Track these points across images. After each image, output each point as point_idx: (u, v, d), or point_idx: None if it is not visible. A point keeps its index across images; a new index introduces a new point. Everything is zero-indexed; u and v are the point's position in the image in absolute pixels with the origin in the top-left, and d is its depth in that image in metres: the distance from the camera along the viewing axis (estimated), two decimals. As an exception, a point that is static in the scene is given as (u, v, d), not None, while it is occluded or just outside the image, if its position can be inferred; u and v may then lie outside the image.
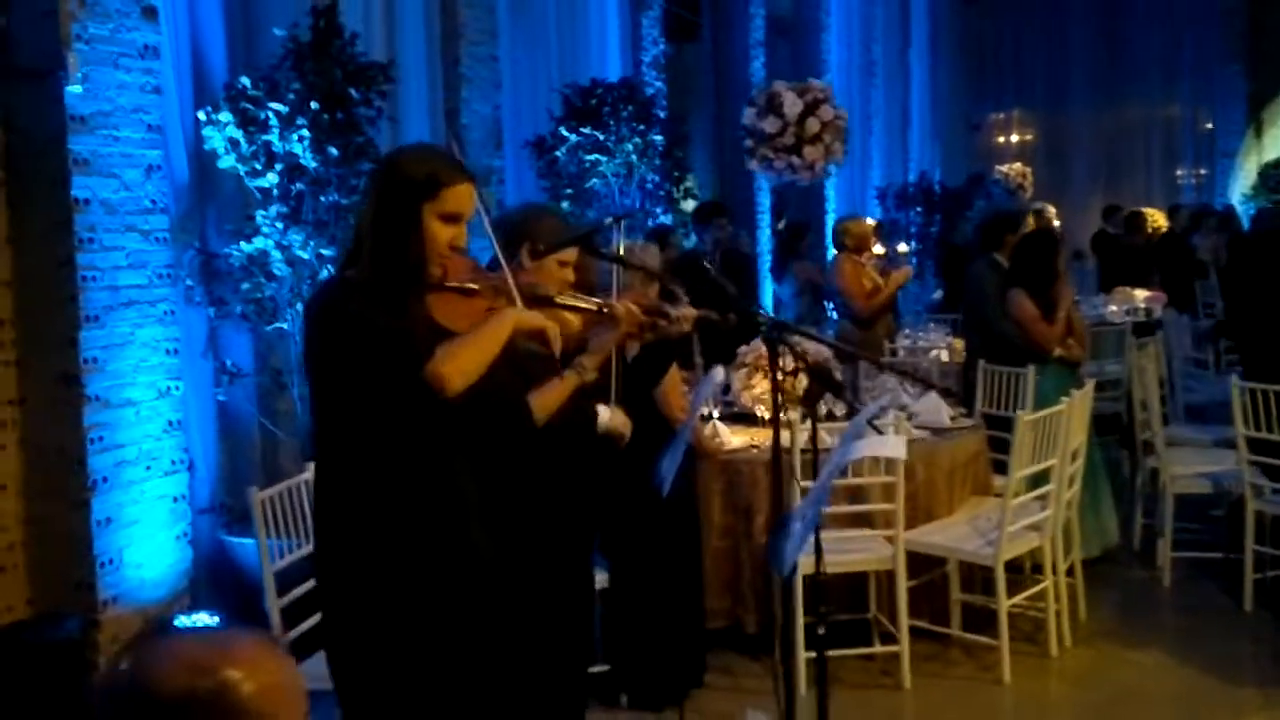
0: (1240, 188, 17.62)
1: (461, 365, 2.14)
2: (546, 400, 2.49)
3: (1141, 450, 5.67)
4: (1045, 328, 5.25)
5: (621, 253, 3.09)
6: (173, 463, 4.34)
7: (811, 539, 2.71)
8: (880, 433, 3.83)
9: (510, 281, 2.28)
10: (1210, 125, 18.30)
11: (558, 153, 6.56)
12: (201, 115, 4.44)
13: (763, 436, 4.45)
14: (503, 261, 2.36)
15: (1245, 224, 13.69)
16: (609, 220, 2.66)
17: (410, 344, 2.11)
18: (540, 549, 2.80)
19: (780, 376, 4.68)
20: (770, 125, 6.84)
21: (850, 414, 3.93)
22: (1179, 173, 18.61)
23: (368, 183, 2.30)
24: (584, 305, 2.47)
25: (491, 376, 2.24)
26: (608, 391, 2.89)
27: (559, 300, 2.39)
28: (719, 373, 3.69)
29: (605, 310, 2.47)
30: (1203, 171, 18.42)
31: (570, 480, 2.98)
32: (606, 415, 2.91)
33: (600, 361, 2.56)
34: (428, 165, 2.22)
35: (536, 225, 3.03)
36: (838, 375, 4.55)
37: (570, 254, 2.91)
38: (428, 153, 2.33)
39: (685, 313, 3.44)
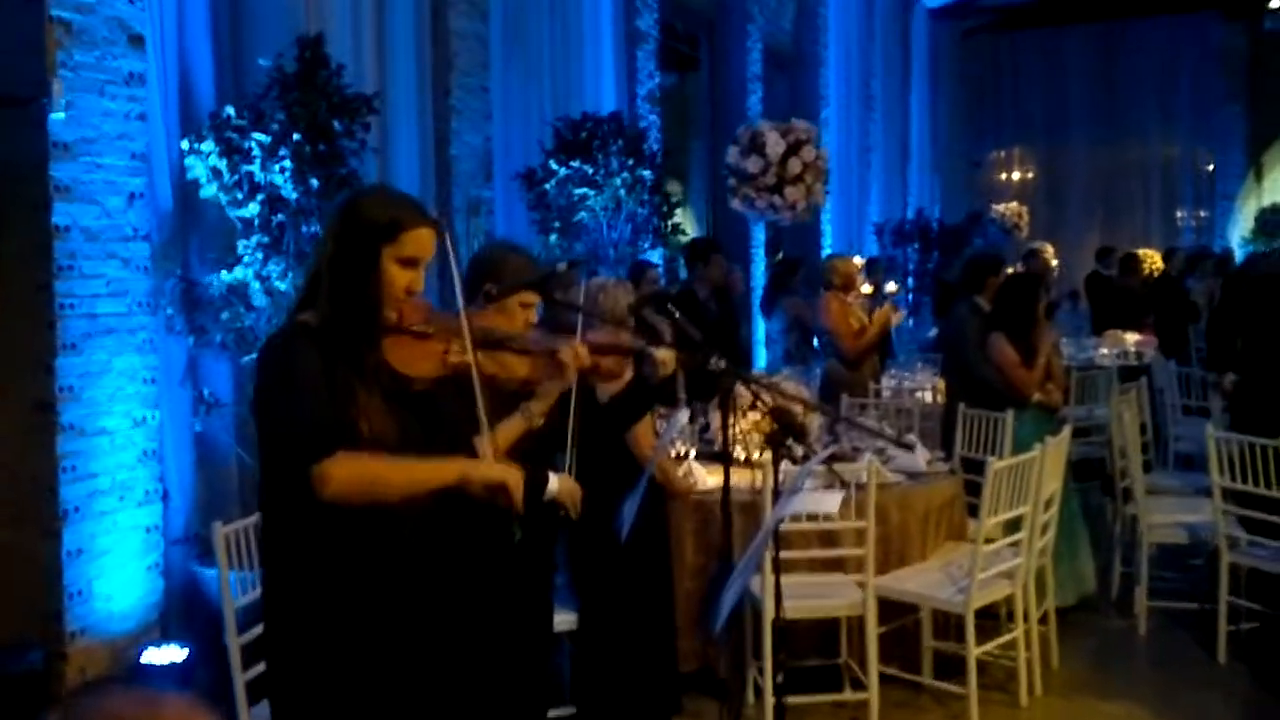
0: (1239, 231, 17.64)
1: (357, 485, 2.09)
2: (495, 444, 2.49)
3: (1121, 497, 5.65)
4: (1024, 373, 5.25)
5: (584, 293, 3.09)
6: (146, 493, 4.34)
7: (771, 586, 2.71)
8: (844, 483, 3.84)
9: (463, 322, 2.28)
10: (1210, 166, 18.34)
11: (547, 185, 6.59)
12: (185, 144, 4.47)
13: (739, 477, 4.44)
14: (460, 302, 2.37)
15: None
16: (562, 266, 2.67)
17: (328, 437, 2.09)
18: (491, 592, 2.80)
19: (758, 418, 4.71)
20: (753, 165, 6.87)
21: (827, 456, 3.92)
22: (1179, 214, 18.64)
23: (327, 222, 2.30)
24: (535, 349, 2.47)
25: (440, 420, 2.23)
26: (564, 434, 2.89)
27: (511, 345, 2.40)
28: (684, 415, 3.70)
29: (552, 351, 2.47)
30: (1203, 213, 18.45)
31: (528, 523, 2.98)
32: (555, 483, 2.91)
33: (547, 407, 2.57)
34: (389, 208, 2.22)
35: (500, 265, 3.05)
36: (809, 419, 4.54)
37: (532, 295, 2.92)
38: (389, 195, 2.33)
39: (665, 355, 3.45)
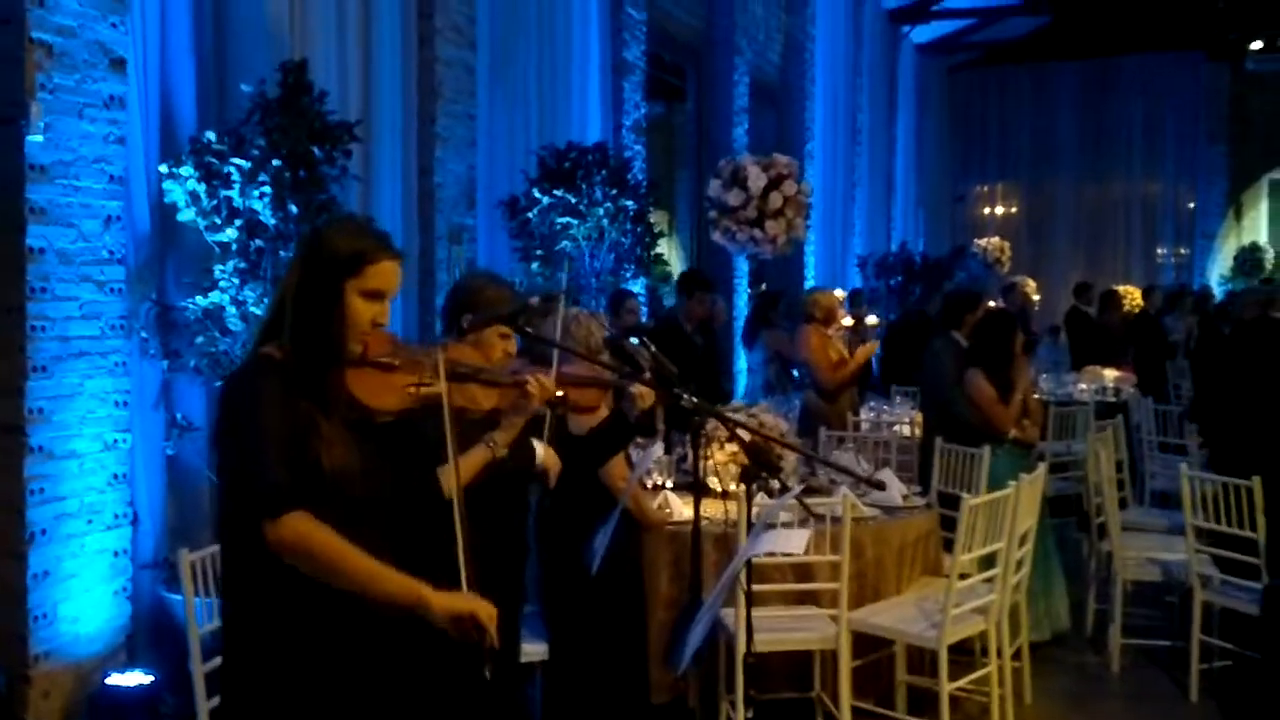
0: (1219, 269, 17.80)
1: (306, 558, 2.07)
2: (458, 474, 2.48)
3: (1096, 533, 5.66)
4: (1001, 409, 5.27)
5: (557, 325, 3.10)
6: (116, 516, 4.31)
7: (743, 619, 2.69)
8: (816, 518, 3.82)
9: (430, 355, 2.28)
10: (1192, 205, 18.53)
11: (530, 214, 6.60)
12: (164, 168, 4.46)
13: (714, 509, 4.43)
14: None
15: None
16: (536, 299, 2.68)
17: (285, 489, 2.08)
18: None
19: (734, 450, 4.70)
20: (734, 198, 6.91)
21: (799, 492, 3.92)
22: (1159, 251, 18.82)
23: (293, 253, 2.29)
24: (505, 381, 2.47)
25: (405, 454, 2.22)
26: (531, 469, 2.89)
27: (480, 376, 2.39)
28: (658, 447, 3.70)
29: (519, 383, 2.47)
30: (1183, 251, 18.63)
31: (485, 552, 2.97)
32: (541, 450, 2.90)
33: (511, 438, 2.56)
34: (354, 240, 2.21)
35: (477, 297, 3.05)
36: (785, 453, 4.54)
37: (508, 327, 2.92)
38: (355, 227, 2.32)
39: (642, 391, 3.44)
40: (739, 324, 9.52)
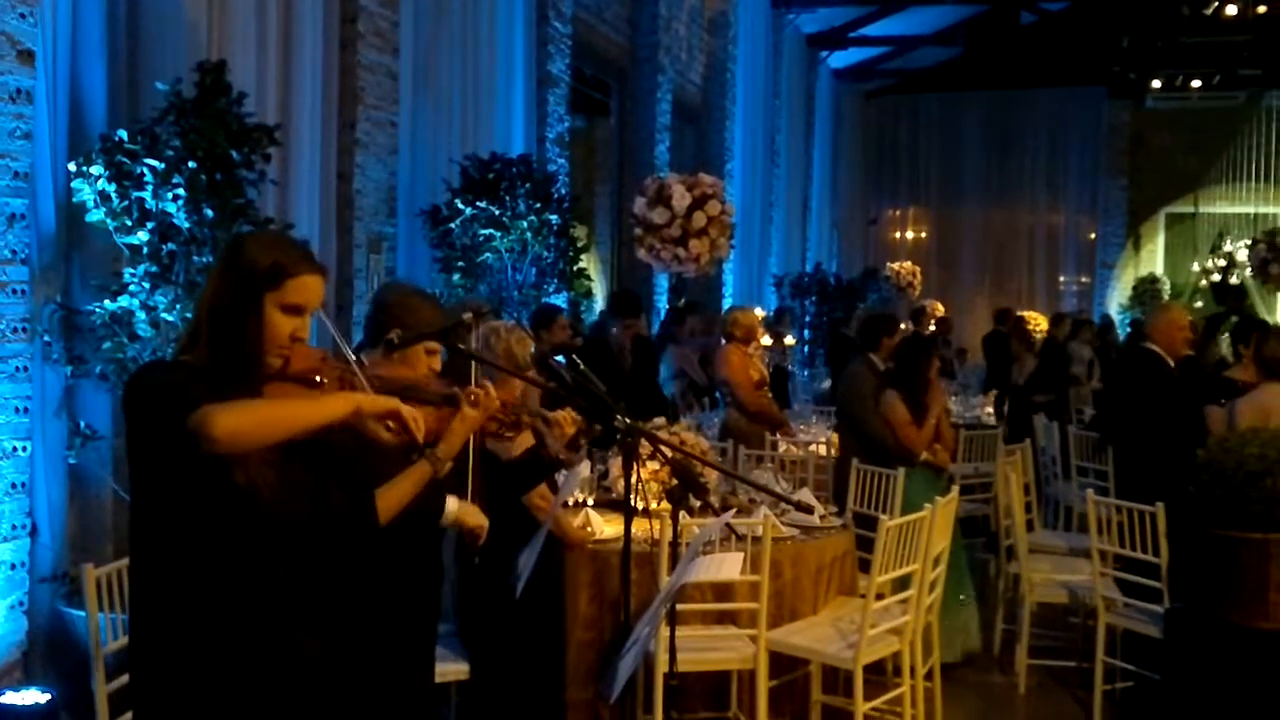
0: (1118, 298, 18.44)
1: (240, 422, 1.96)
2: (396, 495, 2.41)
3: (1004, 555, 5.78)
4: (914, 431, 5.36)
5: (479, 338, 3.05)
6: (14, 528, 4.12)
7: (665, 639, 2.68)
8: (738, 536, 3.83)
9: (358, 370, 2.22)
10: (1093, 235, 19.17)
11: (452, 225, 6.53)
12: (72, 166, 4.30)
13: (636, 527, 4.40)
14: (347, 350, 2.30)
15: (1122, 335, 14.32)
16: (467, 316, 2.63)
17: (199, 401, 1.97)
18: (379, 646, 2.71)
19: (656, 467, 4.69)
20: (659, 216, 6.93)
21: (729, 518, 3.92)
22: (1062, 279, 19.42)
23: (213, 264, 2.23)
24: (434, 396, 2.41)
25: (332, 469, 2.16)
26: (464, 486, 2.83)
27: (413, 394, 2.33)
28: (585, 467, 3.67)
29: (461, 400, 2.42)
30: (1084, 279, 19.26)
31: (413, 574, 2.91)
32: (454, 505, 2.83)
33: (454, 451, 2.50)
34: (274, 253, 2.16)
35: (405, 312, 2.99)
36: (709, 472, 4.55)
37: (436, 344, 2.87)
38: (277, 240, 2.29)
39: (563, 416, 3.41)
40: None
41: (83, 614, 4.24)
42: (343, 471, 2.22)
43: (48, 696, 3.99)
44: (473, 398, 2.44)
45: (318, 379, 2.17)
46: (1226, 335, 9.29)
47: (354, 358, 2.24)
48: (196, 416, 1.93)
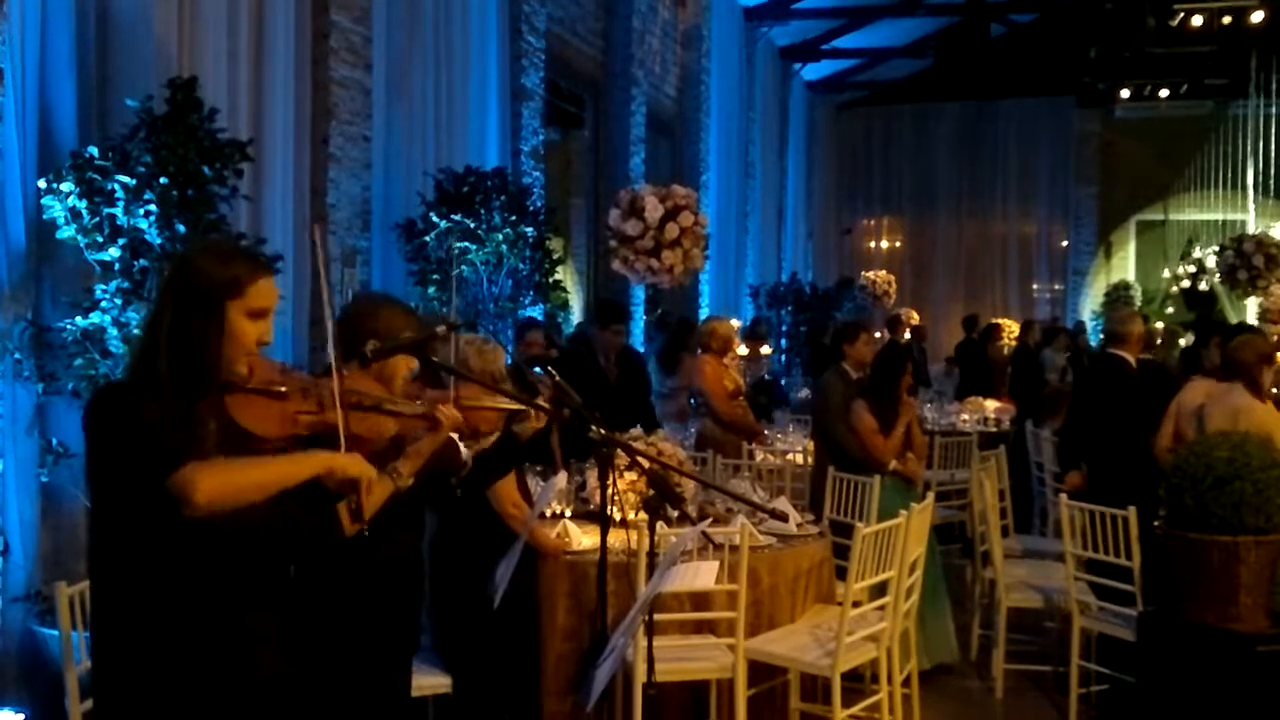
0: (1090, 305, 18.61)
1: (221, 488, 1.99)
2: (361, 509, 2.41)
3: (980, 561, 5.82)
4: (880, 440, 5.40)
5: (455, 355, 3.05)
6: (-16, 546, 4.08)
7: (643, 650, 2.68)
8: (715, 546, 3.85)
9: (321, 382, 2.22)
10: (1065, 243, 19.35)
11: (427, 238, 6.52)
12: (42, 183, 4.28)
13: (613, 538, 4.41)
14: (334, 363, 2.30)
15: (1094, 341, 14.45)
16: (442, 329, 2.64)
17: (179, 454, 1.99)
18: (352, 661, 2.71)
19: (634, 478, 4.70)
20: (632, 228, 6.95)
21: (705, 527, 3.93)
22: (1034, 287, 19.59)
23: (160, 286, 2.24)
24: (407, 411, 2.42)
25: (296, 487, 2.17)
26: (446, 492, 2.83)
27: (381, 408, 2.34)
28: (561, 478, 3.67)
29: (428, 415, 2.43)
30: (1056, 287, 19.44)
31: (382, 586, 2.91)
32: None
33: (416, 467, 2.51)
34: (230, 263, 2.18)
35: (380, 323, 2.98)
36: (685, 482, 4.56)
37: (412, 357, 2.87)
38: (221, 250, 2.30)
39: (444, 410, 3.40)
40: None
41: (55, 633, 4.21)
42: (307, 489, 2.21)
43: (21, 716, 3.96)
44: (441, 416, 2.46)
45: (281, 389, 2.18)
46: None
47: (343, 373, 2.24)
48: (179, 480, 1.95)
